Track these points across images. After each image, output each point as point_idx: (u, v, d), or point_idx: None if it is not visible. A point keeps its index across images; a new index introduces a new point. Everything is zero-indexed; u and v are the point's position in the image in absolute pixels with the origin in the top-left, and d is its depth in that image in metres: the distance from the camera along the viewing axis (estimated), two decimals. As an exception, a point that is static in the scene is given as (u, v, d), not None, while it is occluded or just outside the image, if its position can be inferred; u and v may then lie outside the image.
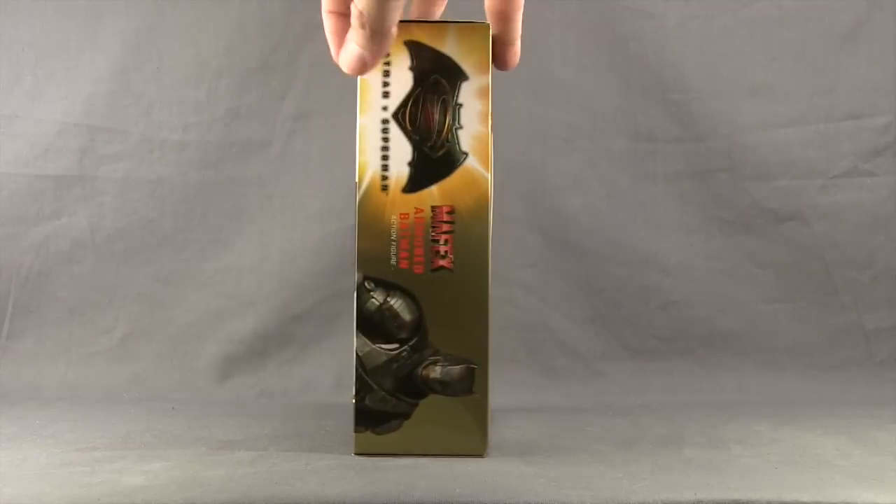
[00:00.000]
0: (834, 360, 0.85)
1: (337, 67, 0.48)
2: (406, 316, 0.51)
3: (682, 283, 0.87)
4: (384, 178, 0.51)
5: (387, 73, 0.51)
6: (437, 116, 0.52)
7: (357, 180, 0.51)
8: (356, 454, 0.51)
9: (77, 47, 0.86)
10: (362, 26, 0.45)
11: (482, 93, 0.53)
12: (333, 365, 0.83)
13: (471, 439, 0.52)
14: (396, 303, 0.51)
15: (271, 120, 0.87)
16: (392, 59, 0.52)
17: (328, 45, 0.49)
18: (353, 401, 0.51)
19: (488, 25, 0.53)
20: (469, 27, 0.52)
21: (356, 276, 0.50)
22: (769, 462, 0.49)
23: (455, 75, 0.52)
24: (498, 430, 0.59)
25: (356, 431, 0.51)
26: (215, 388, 0.81)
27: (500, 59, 0.53)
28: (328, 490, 0.41)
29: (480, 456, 0.51)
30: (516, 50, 0.53)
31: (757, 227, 0.87)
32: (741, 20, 0.88)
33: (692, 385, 0.82)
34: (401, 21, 0.51)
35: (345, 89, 0.85)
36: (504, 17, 0.52)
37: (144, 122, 0.86)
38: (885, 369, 0.85)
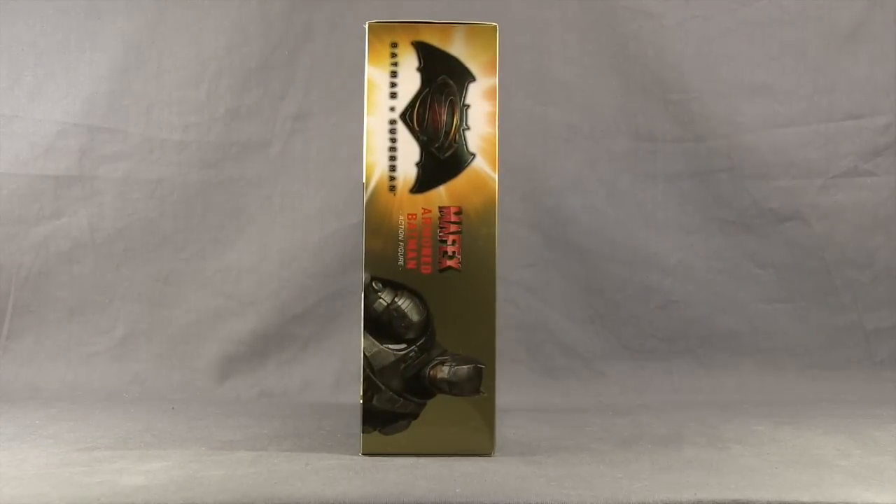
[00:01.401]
0: (834, 359, 0.85)
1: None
2: (414, 316, 0.51)
3: (682, 283, 0.87)
4: (392, 178, 0.51)
5: (394, 74, 0.51)
6: (444, 117, 0.52)
7: (364, 181, 0.51)
8: (364, 454, 0.50)
9: (77, 47, 0.86)
10: None
11: (489, 94, 0.53)
12: (333, 365, 0.83)
13: (478, 439, 0.52)
14: (404, 303, 0.51)
15: (271, 120, 0.87)
16: (399, 59, 0.52)
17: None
18: (361, 401, 0.51)
19: (495, 26, 0.53)
20: (476, 28, 0.52)
21: (364, 277, 0.50)
22: (769, 462, 0.49)
23: (462, 76, 0.52)
24: (498, 429, 0.59)
25: (364, 432, 0.51)
26: (215, 388, 0.81)
27: None
28: (328, 490, 0.41)
29: (488, 455, 0.52)
30: None
31: (757, 227, 0.87)
32: (741, 20, 0.88)
33: (692, 385, 0.82)
34: (408, 22, 0.51)
35: (345, 89, 0.86)
36: None
37: (144, 122, 0.86)
38: (885, 369, 0.85)
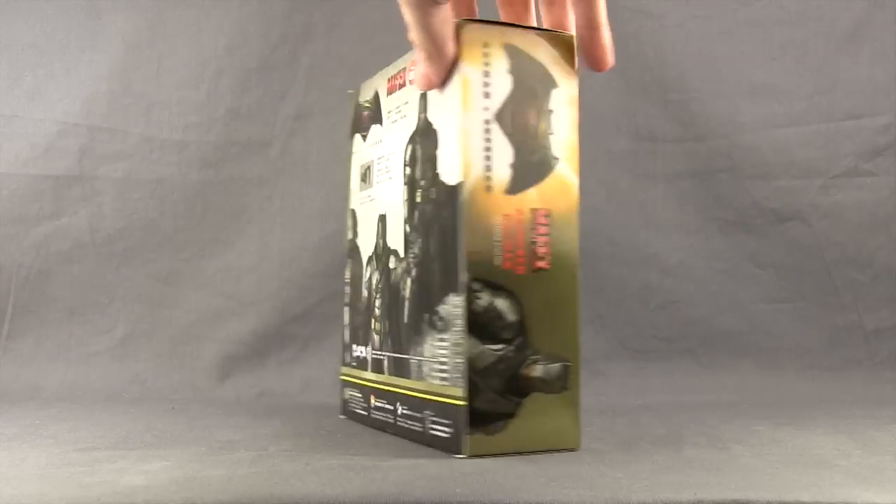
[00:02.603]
0: (834, 360, 0.85)
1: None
2: (510, 316, 0.51)
3: (682, 283, 0.87)
4: (488, 178, 0.51)
5: (487, 74, 0.51)
6: (532, 121, 0.52)
7: (461, 180, 0.50)
8: (470, 456, 0.50)
9: (77, 47, 0.86)
10: (420, 51, 0.49)
11: (571, 101, 0.53)
12: (333, 365, 0.83)
13: (568, 434, 0.53)
14: (501, 303, 0.51)
15: (271, 120, 0.87)
16: (492, 60, 0.51)
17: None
18: (465, 403, 0.50)
19: (573, 36, 0.53)
20: (558, 36, 0.53)
21: (463, 277, 0.50)
22: (769, 462, 0.49)
23: (547, 82, 0.53)
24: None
25: (469, 434, 0.50)
26: (215, 388, 0.81)
27: (587, 51, 0.51)
28: (328, 490, 0.41)
29: (575, 450, 0.52)
30: (601, 37, 0.51)
31: (757, 227, 0.87)
32: (741, 20, 0.88)
33: (692, 385, 0.82)
34: (499, 23, 0.51)
35: (345, 89, 0.86)
36: None
37: (144, 122, 0.86)
38: (885, 369, 0.85)
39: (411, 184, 0.55)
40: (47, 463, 0.49)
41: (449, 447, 0.51)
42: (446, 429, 0.51)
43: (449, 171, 0.51)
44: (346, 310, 0.65)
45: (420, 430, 0.53)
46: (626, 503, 0.39)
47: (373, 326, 0.60)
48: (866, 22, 0.88)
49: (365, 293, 0.62)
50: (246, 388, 0.81)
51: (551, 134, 0.52)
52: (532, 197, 0.52)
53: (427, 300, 0.53)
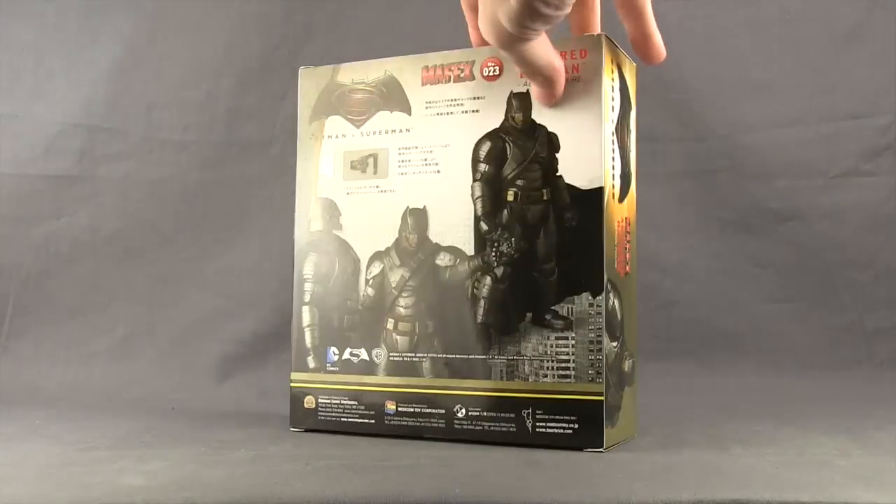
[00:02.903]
0: (834, 360, 0.85)
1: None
2: (619, 315, 0.53)
3: (682, 283, 0.87)
4: (613, 186, 0.53)
5: (613, 89, 0.53)
6: (625, 138, 0.55)
7: (602, 185, 0.52)
8: (606, 449, 0.51)
9: (77, 47, 0.86)
10: (533, 79, 0.50)
11: (634, 124, 0.56)
12: (333, 365, 0.83)
13: (634, 424, 0.56)
14: (617, 303, 0.53)
15: (271, 120, 0.87)
16: (615, 77, 0.53)
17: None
18: (599, 398, 0.51)
19: (635, 66, 0.56)
20: (629, 62, 0.56)
21: (605, 277, 0.51)
22: (769, 462, 0.49)
23: (628, 103, 0.56)
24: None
25: (608, 427, 0.51)
26: (215, 388, 0.81)
27: (641, 53, 0.52)
28: (328, 490, 0.41)
29: (633, 438, 0.55)
30: (654, 43, 0.52)
31: (757, 227, 0.87)
32: (741, 20, 0.88)
33: (692, 385, 0.82)
34: (615, 43, 0.53)
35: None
36: (632, 10, 0.51)
37: (144, 123, 0.86)
38: (885, 369, 0.85)
39: (492, 181, 0.54)
40: (47, 463, 0.49)
41: (574, 443, 0.51)
42: (570, 425, 0.51)
43: (582, 175, 0.52)
44: (306, 309, 0.63)
45: (512, 429, 0.53)
46: (627, 503, 0.39)
47: (391, 327, 0.57)
48: (866, 22, 0.88)
49: (369, 292, 0.58)
50: (246, 388, 0.81)
51: (631, 151, 0.56)
52: (625, 207, 0.54)
53: (531, 299, 0.52)
